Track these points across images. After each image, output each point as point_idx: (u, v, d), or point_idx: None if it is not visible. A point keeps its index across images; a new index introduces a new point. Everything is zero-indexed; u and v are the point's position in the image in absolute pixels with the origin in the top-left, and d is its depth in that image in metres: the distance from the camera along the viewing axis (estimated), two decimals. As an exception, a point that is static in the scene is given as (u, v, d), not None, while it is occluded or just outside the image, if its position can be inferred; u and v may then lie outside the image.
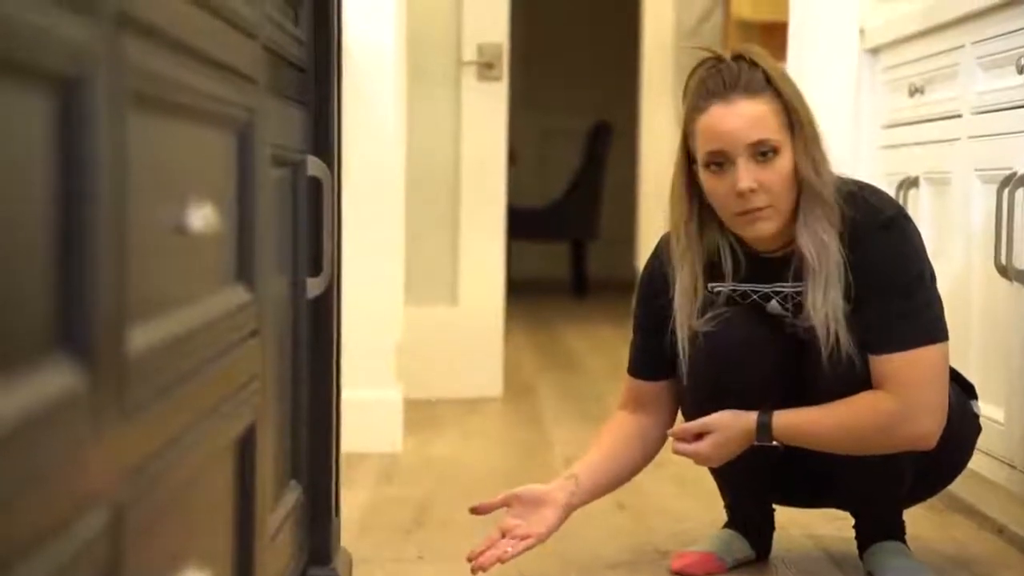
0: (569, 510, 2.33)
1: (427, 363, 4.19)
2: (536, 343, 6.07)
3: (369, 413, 3.40)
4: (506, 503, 2.31)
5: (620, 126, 8.43)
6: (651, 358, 2.43)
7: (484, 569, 2.22)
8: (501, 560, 2.23)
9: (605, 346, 5.98)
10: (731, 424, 2.26)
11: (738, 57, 2.24)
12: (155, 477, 1.09)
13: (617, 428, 2.43)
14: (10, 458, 0.76)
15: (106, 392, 0.94)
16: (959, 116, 2.94)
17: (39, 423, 0.81)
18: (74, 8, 0.86)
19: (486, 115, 4.37)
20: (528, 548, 2.27)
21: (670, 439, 2.35)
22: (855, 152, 3.59)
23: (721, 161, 2.21)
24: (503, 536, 2.26)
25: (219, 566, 1.37)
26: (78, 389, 0.88)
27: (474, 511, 2.32)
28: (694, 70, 2.26)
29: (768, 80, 2.21)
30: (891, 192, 3.27)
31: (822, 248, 2.20)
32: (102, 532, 0.93)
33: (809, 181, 2.20)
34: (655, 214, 6.63)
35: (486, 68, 4.35)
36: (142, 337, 1.04)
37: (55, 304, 0.86)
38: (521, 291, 5.45)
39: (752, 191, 2.18)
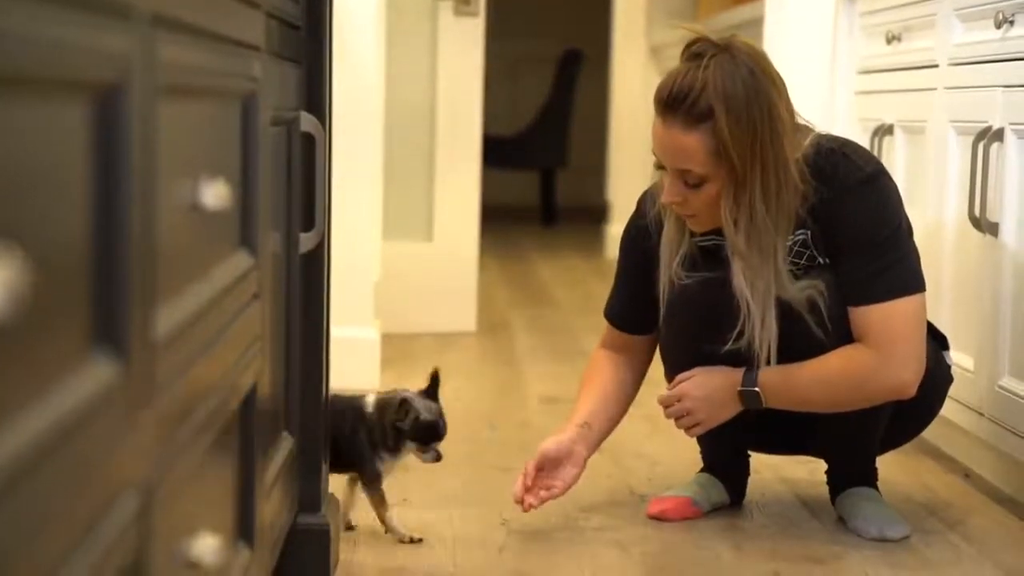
0: (586, 460, 2.42)
1: (402, 298, 4.22)
2: (507, 274, 6.10)
3: (347, 351, 3.41)
4: (539, 467, 2.38)
5: (591, 53, 8.40)
6: (629, 311, 2.51)
7: (535, 507, 2.35)
8: (542, 500, 2.36)
9: (575, 278, 6.03)
10: (711, 371, 2.33)
11: (716, 52, 2.20)
12: (176, 452, 1.12)
13: (607, 370, 2.51)
14: (55, 460, 0.80)
15: (138, 380, 0.97)
16: (936, 66, 2.97)
17: (80, 422, 0.84)
18: (112, 16, 0.88)
19: (462, 51, 4.37)
20: (552, 498, 2.38)
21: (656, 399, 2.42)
22: (830, 96, 3.62)
23: (662, 165, 2.29)
24: (532, 483, 2.36)
25: (223, 525, 1.41)
26: (115, 383, 0.91)
27: (520, 503, 2.36)
28: (684, 49, 2.27)
29: (711, 111, 2.18)
30: (866, 138, 3.31)
31: (755, 287, 2.25)
32: (135, 513, 0.97)
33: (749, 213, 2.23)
34: (625, 142, 6.65)
35: (463, 4, 4.34)
36: (166, 320, 1.07)
37: (94, 305, 0.89)
38: (490, 219, 5.48)
39: (676, 203, 2.28)
